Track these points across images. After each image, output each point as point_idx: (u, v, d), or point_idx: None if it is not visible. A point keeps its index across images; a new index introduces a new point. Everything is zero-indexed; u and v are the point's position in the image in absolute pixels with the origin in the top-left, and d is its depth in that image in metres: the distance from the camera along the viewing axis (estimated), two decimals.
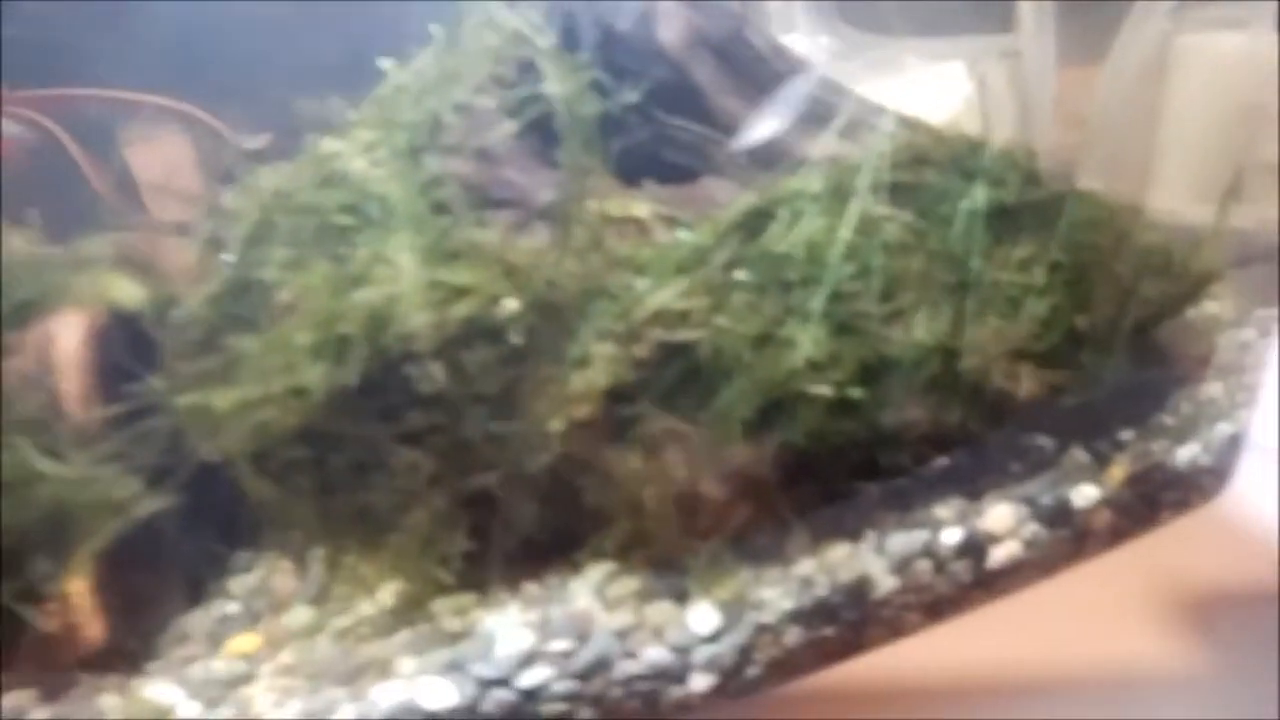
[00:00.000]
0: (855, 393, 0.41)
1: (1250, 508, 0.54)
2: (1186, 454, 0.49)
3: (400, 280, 0.40)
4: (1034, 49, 0.60)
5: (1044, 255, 0.43)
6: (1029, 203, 0.43)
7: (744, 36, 0.46)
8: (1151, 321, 0.46)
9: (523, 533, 0.45)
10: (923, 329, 0.43)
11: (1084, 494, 0.47)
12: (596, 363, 0.41)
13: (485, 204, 0.44)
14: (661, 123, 0.46)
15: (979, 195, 0.43)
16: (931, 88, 0.59)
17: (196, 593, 0.49)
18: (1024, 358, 0.43)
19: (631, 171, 0.46)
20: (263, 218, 0.45)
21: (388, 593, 0.47)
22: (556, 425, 0.41)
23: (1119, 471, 0.48)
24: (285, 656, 0.45)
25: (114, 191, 0.59)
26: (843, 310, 0.43)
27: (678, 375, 0.42)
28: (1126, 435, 0.49)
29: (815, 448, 0.43)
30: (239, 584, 0.50)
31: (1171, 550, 0.51)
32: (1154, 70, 0.60)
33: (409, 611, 0.46)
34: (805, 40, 0.62)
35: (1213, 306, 0.53)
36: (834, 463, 0.44)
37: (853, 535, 0.47)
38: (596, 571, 0.46)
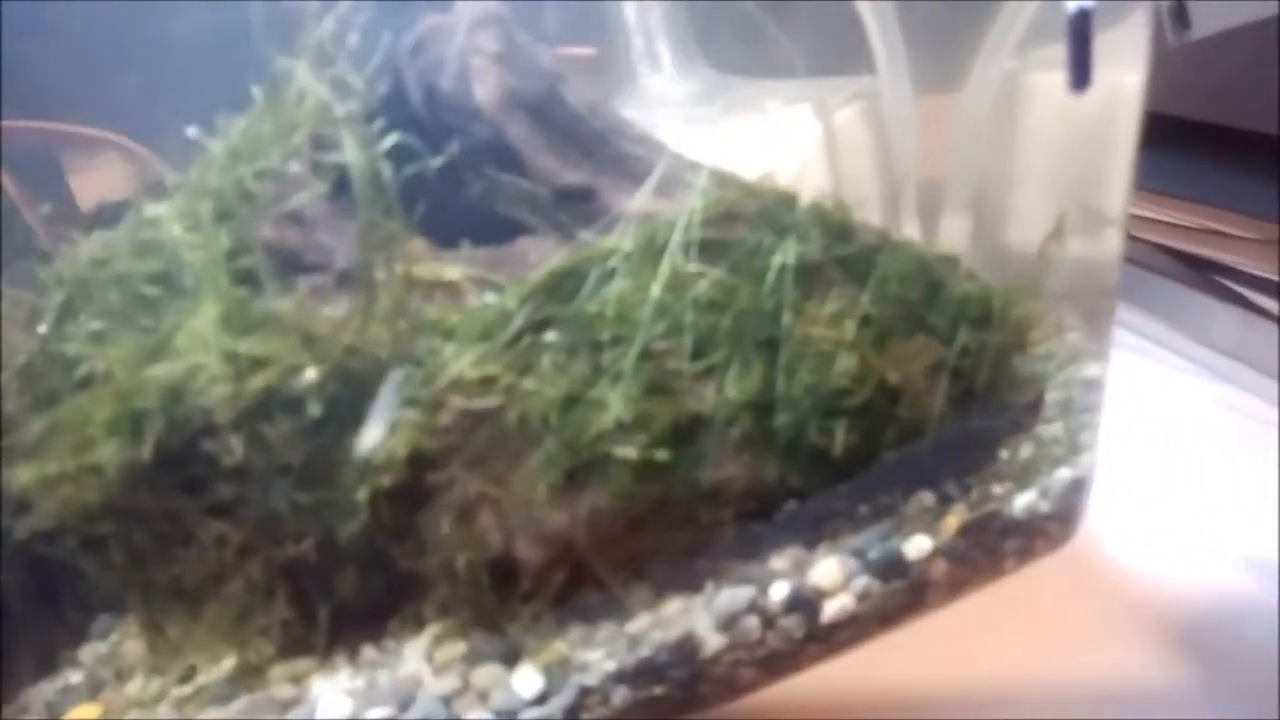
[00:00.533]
0: (662, 454, 0.41)
1: (1104, 551, 0.54)
2: (1024, 501, 0.49)
3: (198, 353, 0.40)
4: (889, 87, 0.60)
5: (854, 309, 0.43)
6: (837, 257, 0.44)
7: (558, 94, 0.46)
8: (973, 371, 0.46)
9: (344, 600, 0.44)
10: (734, 386, 0.42)
11: (917, 545, 0.47)
12: (399, 430, 0.41)
13: (298, 269, 0.44)
14: (478, 183, 0.46)
15: (788, 250, 0.43)
16: (782, 131, 0.59)
17: (49, 661, 0.49)
18: (837, 413, 0.43)
19: (449, 233, 0.46)
20: (77, 288, 0.45)
21: (229, 661, 0.46)
22: (361, 494, 0.41)
23: (953, 521, 0.48)
24: None
25: (49, 224, 0.58)
26: (653, 370, 0.42)
27: (487, 440, 0.42)
28: (960, 486, 0.48)
29: (634, 508, 0.43)
30: (91, 652, 0.49)
31: (1022, 597, 0.51)
32: (1006, 108, 0.60)
33: (247, 679, 0.46)
34: (668, 83, 0.63)
35: (1058, 345, 0.53)
36: (657, 522, 0.44)
37: (694, 590, 0.47)
38: (428, 635, 0.45)
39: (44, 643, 0.49)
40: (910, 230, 0.64)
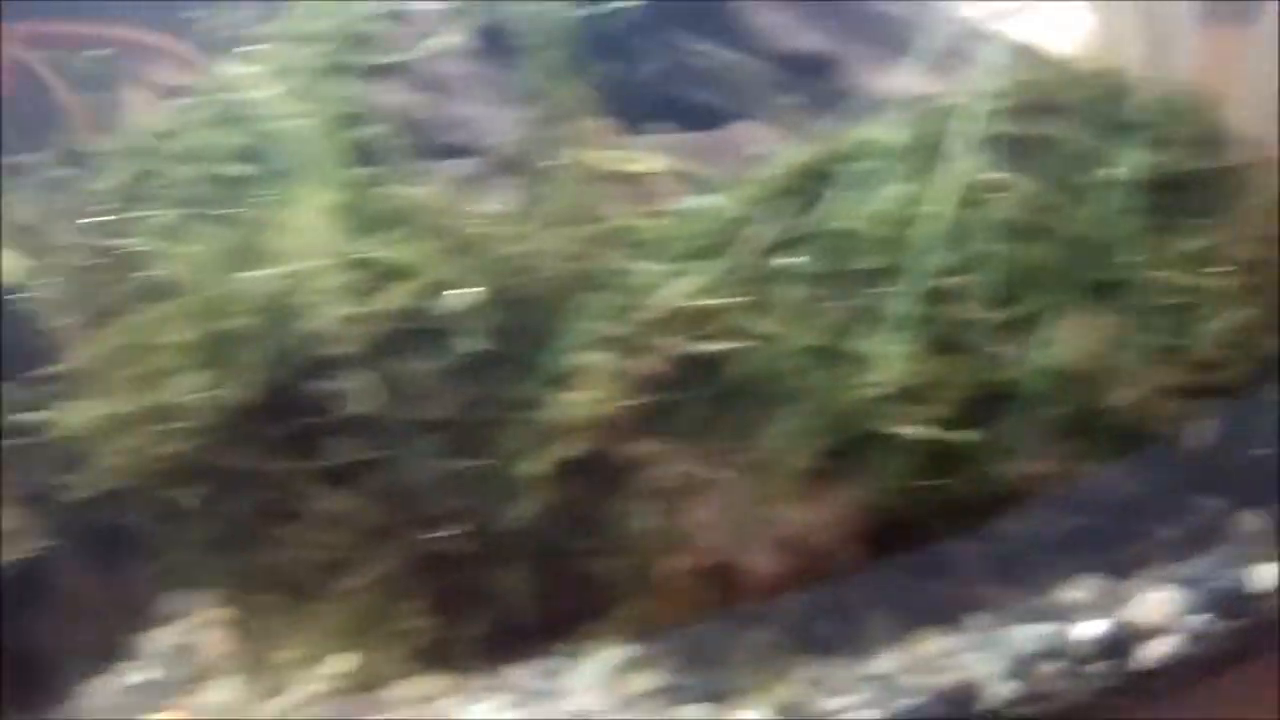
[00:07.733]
0: (958, 436, 0.29)
1: None
2: None
3: (308, 255, 0.28)
4: None
5: (1225, 248, 0.31)
6: (1203, 172, 0.31)
7: None
8: None
9: (501, 606, 0.33)
10: (1052, 345, 0.30)
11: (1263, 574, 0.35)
12: (589, 380, 0.29)
13: (430, 150, 0.32)
14: (679, 46, 0.34)
15: (1132, 159, 0.31)
16: (1047, 14, 0.46)
17: (107, 652, 0.39)
18: (1193, 392, 0.31)
19: (638, 111, 0.34)
20: (139, 168, 0.33)
21: (333, 667, 0.35)
22: (534, 468, 0.30)
23: None
24: None
25: (94, 130, 0.50)
26: (937, 316, 0.30)
27: (708, 400, 0.30)
28: None
29: (900, 501, 0.31)
30: (161, 639, 0.39)
31: None
32: None
33: (359, 694, 0.35)
34: None
35: None
36: (927, 521, 0.32)
37: (950, 622, 0.35)
38: (607, 658, 0.34)
39: (101, 629, 0.40)
40: None
